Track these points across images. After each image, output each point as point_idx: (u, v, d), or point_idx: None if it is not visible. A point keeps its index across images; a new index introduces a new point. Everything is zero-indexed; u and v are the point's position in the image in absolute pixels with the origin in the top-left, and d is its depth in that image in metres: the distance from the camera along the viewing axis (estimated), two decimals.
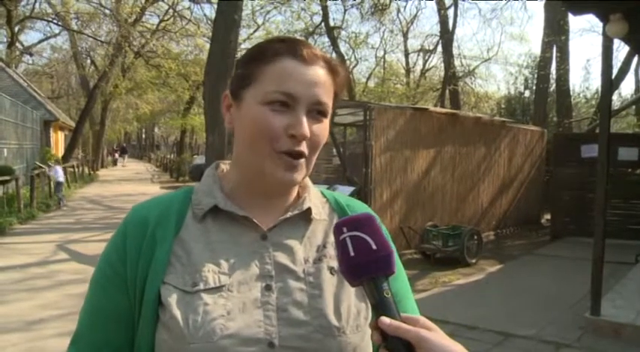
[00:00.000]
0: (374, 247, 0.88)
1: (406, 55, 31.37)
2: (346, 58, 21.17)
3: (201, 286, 1.02)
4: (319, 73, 1.05)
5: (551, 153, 13.25)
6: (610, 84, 6.15)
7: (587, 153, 11.31)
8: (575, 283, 7.40)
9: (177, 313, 1.00)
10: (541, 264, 9.31)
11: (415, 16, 33.05)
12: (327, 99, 1.06)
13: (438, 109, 12.59)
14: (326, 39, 21.23)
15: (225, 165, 1.19)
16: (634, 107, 21.39)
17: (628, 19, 5.18)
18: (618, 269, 7.62)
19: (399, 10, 23.76)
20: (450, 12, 21.70)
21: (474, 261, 9.17)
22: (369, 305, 0.88)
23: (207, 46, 12.45)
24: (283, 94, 1.01)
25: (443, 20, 21.37)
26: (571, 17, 17.25)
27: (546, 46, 16.62)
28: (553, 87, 18.86)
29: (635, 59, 19.58)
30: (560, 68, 16.78)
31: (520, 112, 20.72)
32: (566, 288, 7.37)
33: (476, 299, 7.03)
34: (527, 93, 22.11)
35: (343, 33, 22.71)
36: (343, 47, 22.36)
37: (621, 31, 5.25)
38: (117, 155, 51.42)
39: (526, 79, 22.47)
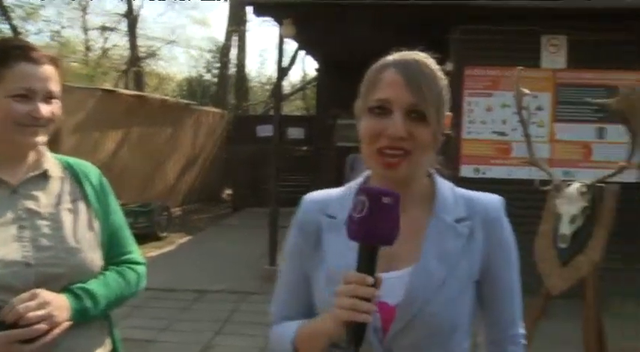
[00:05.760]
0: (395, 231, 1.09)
1: (85, 31, 29.96)
2: (22, 31, 19.43)
3: None
4: (47, 69, 1.51)
5: (230, 133, 14.52)
6: (282, 75, 7.40)
7: (262, 132, 12.79)
8: (255, 245, 8.57)
9: None
10: (226, 233, 10.39)
11: None
12: (55, 87, 1.53)
13: (127, 91, 12.84)
14: None
15: None
16: (301, 92, 24.27)
17: (296, 23, 6.39)
18: (288, 231, 9.05)
19: None
20: None
21: (164, 234, 9.77)
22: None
23: None
24: (24, 89, 1.46)
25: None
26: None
27: (229, 35, 17.95)
28: (233, 72, 20.34)
29: (302, 53, 22.21)
30: (240, 55, 18.36)
31: (200, 94, 21.72)
32: (248, 250, 8.49)
33: (171, 267, 7.68)
34: (208, 76, 23.32)
35: (13, 0, 20.77)
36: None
37: (291, 32, 6.45)
38: None
39: (208, 62, 23.65)
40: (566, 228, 3.28)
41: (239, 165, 13.27)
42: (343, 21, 7.36)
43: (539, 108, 6.43)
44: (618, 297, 5.40)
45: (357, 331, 1.06)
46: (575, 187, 3.29)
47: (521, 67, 3.53)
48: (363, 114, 1.21)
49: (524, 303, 1.31)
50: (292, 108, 28.42)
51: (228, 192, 14.71)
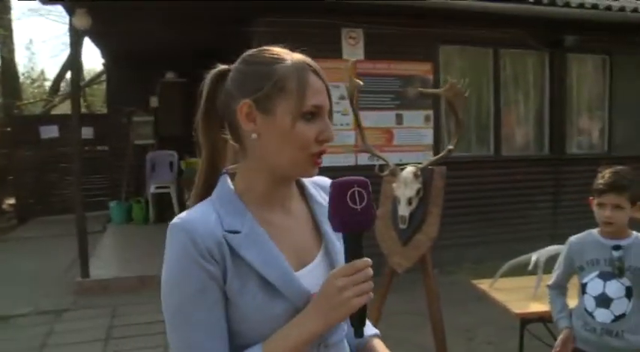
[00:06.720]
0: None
1: None
2: None
3: None
4: None
5: (7, 136, 13.03)
6: (79, 70, 6.78)
7: (46, 134, 11.71)
8: (57, 257, 7.89)
9: None
10: (16, 248, 9.30)
11: None
12: None
13: None
14: None
15: None
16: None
17: (91, 13, 5.89)
18: (92, 237, 8.41)
19: None
20: None
21: None
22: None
23: None
24: None
25: None
26: None
27: None
28: None
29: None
30: (8, 48, 16.43)
31: None
32: (50, 264, 7.76)
33: None
34: None
35: None
36: None
37: (86, 23, 5.92)
38: None
39: None
40: (404, 210, 3.49)
41: (21, 171, 11.99)
42: (139, 14, 6.99)
43: (341, 98, 6.74)
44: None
45: (364, 311, 1.16)
46: (409, 171, 3.50)
47: (354, 59, 3.67)
48: (297, 119, 1.18)
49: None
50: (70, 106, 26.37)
51: (10, 201, 13.21)
